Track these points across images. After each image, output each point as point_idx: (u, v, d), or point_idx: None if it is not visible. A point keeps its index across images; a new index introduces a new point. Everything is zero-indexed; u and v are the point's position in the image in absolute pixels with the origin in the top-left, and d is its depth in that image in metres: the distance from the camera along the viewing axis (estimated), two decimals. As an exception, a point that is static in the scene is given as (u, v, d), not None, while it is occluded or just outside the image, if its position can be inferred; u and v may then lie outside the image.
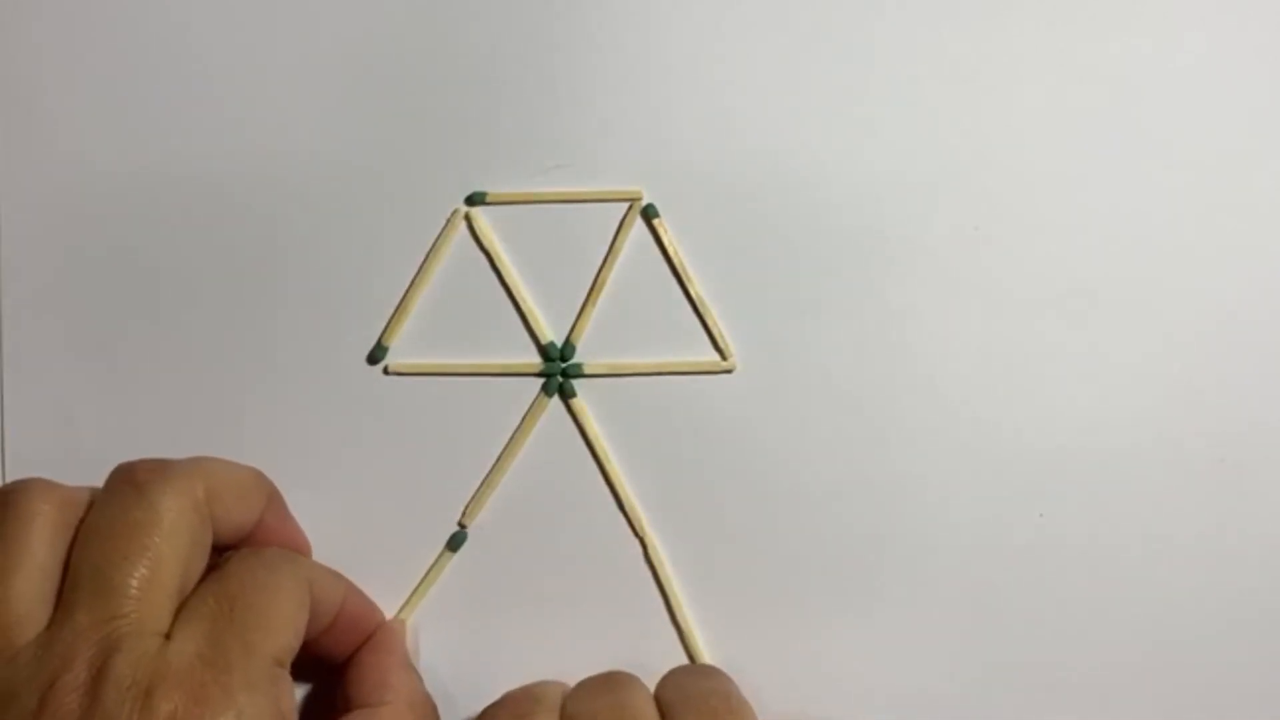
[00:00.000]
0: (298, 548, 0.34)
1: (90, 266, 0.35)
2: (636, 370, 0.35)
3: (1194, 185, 0.35)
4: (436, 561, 0.35)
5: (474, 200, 0.35)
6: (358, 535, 0.35)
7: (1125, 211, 0.35)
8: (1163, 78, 0.35)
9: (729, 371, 0.35)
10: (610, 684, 0.31)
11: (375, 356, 0.35)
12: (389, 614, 0.35)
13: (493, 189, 0.35)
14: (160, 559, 0.27)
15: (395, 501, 0.35)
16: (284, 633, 0.28)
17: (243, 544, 0.31)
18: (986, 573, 0.35)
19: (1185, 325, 0.35)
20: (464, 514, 0.35)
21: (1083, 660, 0.35)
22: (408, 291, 0.35)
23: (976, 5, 0.35)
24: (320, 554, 0.35)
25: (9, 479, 0.35)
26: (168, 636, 0.27)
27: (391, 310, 0.35)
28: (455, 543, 0.35)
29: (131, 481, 0.29)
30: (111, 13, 0.36)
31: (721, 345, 0.35)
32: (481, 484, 0.35)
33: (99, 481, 0.29)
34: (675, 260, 0.35)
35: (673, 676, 0.32)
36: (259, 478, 0.32)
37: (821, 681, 0.35)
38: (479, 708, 0.33)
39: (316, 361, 0.35)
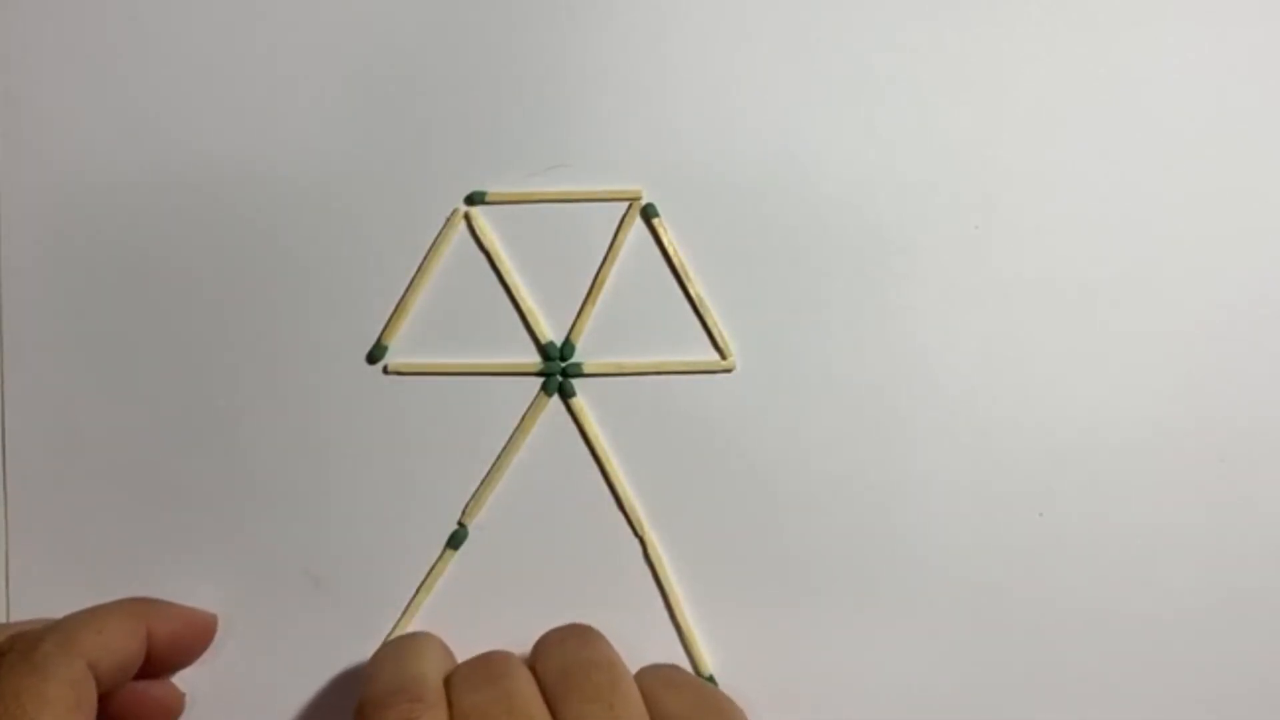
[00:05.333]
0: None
1: (90, 266, 0.35)
2: (636, 370, 0.35)
3: (1195, 184, 0.35)
4: (437, 561, 0.35)
5: (474, 200, 0.35)
6: (358, 535, 0.35)
7: (1125, 210, 0.35)
8: (1163, 76, 0.35)
9: (728, 371, 0.35)
10: (492, 671, 0.30)
11: (375, 356, 0.35)
12: (388, 613, 0.35)
13: (493, 189, 0.35)
14: None
15: (395, 501, 0.35)
16: None
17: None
18: (986, 573, 0.35)
19: (1185, 324, 0.35)
20: (464, 513, 0.35)
21: (1083, 660, 0.35)
22: (407, 291, 0.35)
23: (977, 5, 0.35)
24: (319, 554, 0.35)
25: (9, 480, 0.35)
26: None
27: (391, 310, 0.35)
28: (456, 541, 0.35)
29: None
30: (112, 13, 0.36)
31: (721, 345, 0.35)
32: (481, 483, 0.35)
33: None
34: (675, 260, 0.35)
35: (548, 648, 0.32)
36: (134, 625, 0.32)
37: (820, 680, 0.35)
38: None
39: (316, 361, 0.35)
